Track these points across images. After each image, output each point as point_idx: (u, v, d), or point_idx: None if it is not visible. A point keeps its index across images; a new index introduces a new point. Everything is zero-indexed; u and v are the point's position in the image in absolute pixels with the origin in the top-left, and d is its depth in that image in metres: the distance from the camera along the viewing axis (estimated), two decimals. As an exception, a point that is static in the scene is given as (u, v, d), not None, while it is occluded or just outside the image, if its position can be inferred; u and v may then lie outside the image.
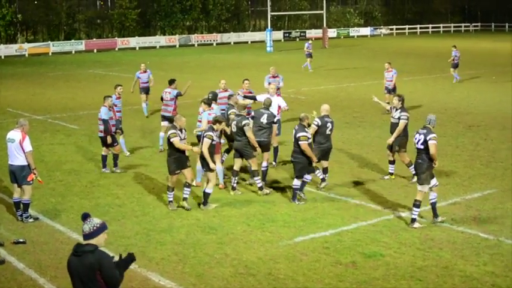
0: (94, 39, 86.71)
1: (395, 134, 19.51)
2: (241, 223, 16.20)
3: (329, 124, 18.90)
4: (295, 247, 14.58)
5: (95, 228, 8.51)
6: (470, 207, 17.16)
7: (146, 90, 32.45)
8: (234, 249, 14.48)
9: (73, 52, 78.52)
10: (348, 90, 41.17)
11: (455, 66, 44.49)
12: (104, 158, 21.63)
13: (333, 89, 41.48)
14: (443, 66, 53.67)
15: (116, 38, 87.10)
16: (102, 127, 21.32)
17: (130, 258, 8.89)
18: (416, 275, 12.98)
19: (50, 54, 76.27)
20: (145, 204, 17.96)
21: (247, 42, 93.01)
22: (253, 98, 22.17)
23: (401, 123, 19.43)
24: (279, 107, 22.08)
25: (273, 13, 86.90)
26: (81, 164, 22.55)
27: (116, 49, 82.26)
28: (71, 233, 15.71)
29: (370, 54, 68.58)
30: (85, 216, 8.60)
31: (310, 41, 56.99)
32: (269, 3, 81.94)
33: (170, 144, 17.26)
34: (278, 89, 26.91)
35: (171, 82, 24.63)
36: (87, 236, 8.50)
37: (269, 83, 25.53)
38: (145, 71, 32.64)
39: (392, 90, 31.85)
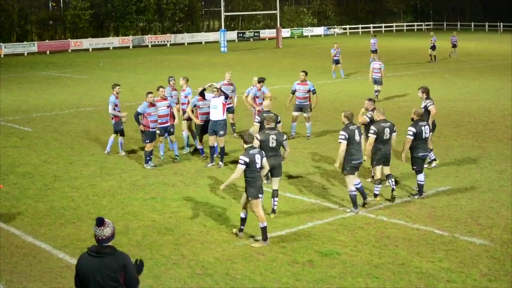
0: (47, 41, 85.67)
1: (430, 121, 20.54)
2: (198, 224, 16.17)
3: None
4: (252, 247, 14.60)
5: (113, 229, 8.64)
6: (425, 204, 17.32)
7: (119, 126, 23.50)
8: (191, 250, 14.45)
9: (25, 54, 77.62)
10: (302, 89, 41.13)
11: (336, 62, 46.81)
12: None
13: (287, 88, 41.33)
14: (396, 65, 54.15)
15: (69, 40, 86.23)
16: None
17: (142, 266, 9.05)
18: (372, 273, 13.06)
19: (2, 56, 75.30)
20: (101, 206, 17.83)
21: (201, 43, 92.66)
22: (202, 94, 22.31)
23: (431, 109, 21.01)
24: (224, 104, 21.66)
25: (226, 13, 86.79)
26: (35, 167, 22.31)
27: (69, 50, 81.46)
28: (25, 237, 15.54)
29: (324, 54, 68.67)
30: (102, 221, 8.56)
31: (376, 37, 57.74)
32: (222, 4, 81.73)
33: None
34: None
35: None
36: (109, 239, 8.58)
37: None
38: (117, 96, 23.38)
39: (378, 82, 35.46)
